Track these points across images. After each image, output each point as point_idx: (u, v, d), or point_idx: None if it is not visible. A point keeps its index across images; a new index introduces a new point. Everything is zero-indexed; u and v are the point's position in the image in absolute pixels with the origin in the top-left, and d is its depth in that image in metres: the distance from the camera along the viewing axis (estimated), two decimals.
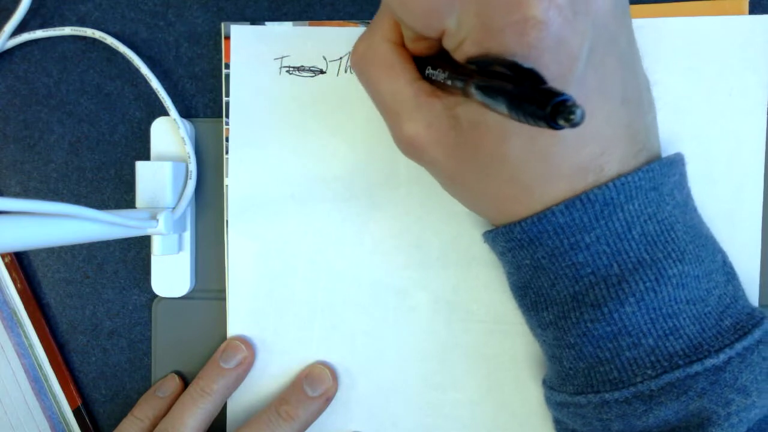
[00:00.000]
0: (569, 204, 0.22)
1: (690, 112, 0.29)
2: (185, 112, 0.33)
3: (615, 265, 0.22)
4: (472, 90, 0.19)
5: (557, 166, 0.22)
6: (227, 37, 0.31)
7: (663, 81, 0.29)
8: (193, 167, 0.31)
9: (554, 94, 0.15)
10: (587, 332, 0.23)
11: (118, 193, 0.33)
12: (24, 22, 0.32)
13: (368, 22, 0.31)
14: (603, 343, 0.23)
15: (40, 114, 0.33)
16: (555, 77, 0.20)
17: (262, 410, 0.30)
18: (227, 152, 0.31)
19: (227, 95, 0.31)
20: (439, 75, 0.22)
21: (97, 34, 0.32)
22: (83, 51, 0.33)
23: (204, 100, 0.33)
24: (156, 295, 0.33)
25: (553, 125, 0.15)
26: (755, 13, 0.28)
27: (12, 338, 0.33)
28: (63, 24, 0.33)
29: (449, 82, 0.21)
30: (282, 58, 0.31)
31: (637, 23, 0.29)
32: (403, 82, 0.23)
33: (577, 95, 0.20)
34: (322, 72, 0.31)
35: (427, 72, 0.23)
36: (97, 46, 0.33)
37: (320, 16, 0.31)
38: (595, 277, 0.23)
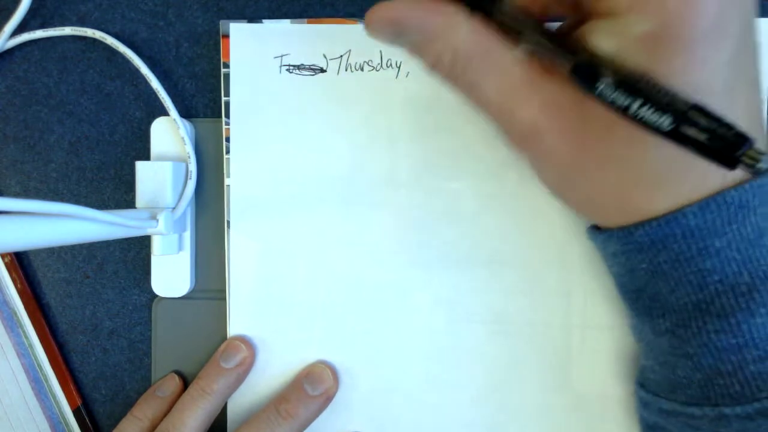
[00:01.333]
0: (703, 205, 0.20)
1: None
2: (185, 112, 0.33)
3: (745, 273, 0.21)
4: (606, 89, 0.17)
5: (690, 164, 0.20)
6: (225, 36, 0.31)
7: None
8: (193, 167, 0.31)
9: (743, 139, 0.14)
10: (709, 343, 0.21)
11: (118, 193, 0.33)
12: (24, 22, 0.32)
13: None
14: (726, 356, 0.21)
15: (40, 114, 0.33)
16: (706, 60, 0.18)
17: (262, 409, 0.30)
18: (228, 152, 0.31)
19: (227, 95, 0.31)
20: (558, 54, 0.19)
21: (97, 34, 0.32)
22: (83, 51, 0.33)
23: (204, 100, 0.33)
24: (156, 295, 0.33)
25: (731, 168, 0.14)
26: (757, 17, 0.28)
27: (12, 338, 0.33)
28: (63, 24, 0.33)
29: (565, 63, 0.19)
30: (282, 56, 0.31)
31: None
32: (506, 65, 0.20)
33: (724, 83, 0.18)
34: (322, 70, 0.31)
35: (523, 39, 0.20)
36: (97, 46, 0.33)
37: (320, 16, 0.31)
38: (722, 285, 0.21)
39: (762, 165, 0.13)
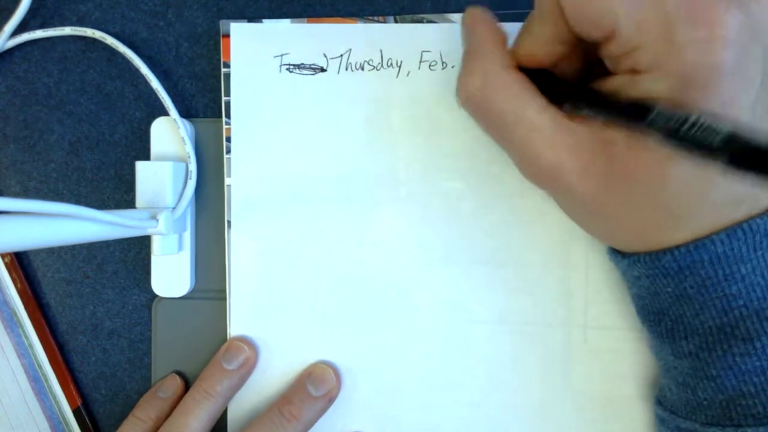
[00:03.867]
0: (730, 233, 0.21)
1: None
2: (185, 112, 0.33)
3: None
4: (658, 116, 0.18)
5: (717, 194, 0.21)
6: (225, 36, 0.31)
7: None
8: (193, 167, 0.31)
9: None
10: (734, 366, 0.22)
11: (118, 193, 0.33)
12: (24, 22, 0.32)
13: (369, 19, 0.31)
14: (749, 378, 0.22)
15: (40, 114, 0.33)
16: (728, 102, 0.19)
17: (265, 411, 0.30)
18: (228, 152, 0.31)
19: (227, 94, 0.31)
20: (581, 107, 0.21)
21: (97, 34, 0.32)
22: (83, 51, 0.33)
23: (204, 100, 0.33)
24: (156, 295, 0.33)
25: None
26: None
27: (12, 338, 0.33)
28: (63, 24, 0.33)
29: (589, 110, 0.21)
30: (282, 55, 0.31)
31: None
32: (537, 108, 0.22)
33: (748, 122, 0.19)
34: (322, 70, 0.31)
35: (557, 94, 0.22)
36: (97, 46, 0.33)
37: (320, 15, 0.31)
38: (747, 309, 0.21)
39: None
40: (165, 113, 0.32)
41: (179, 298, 0.32)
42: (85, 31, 0.32)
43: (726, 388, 0.22)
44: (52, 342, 0.34)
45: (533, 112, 0.22)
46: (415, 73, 0.30)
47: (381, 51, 0.30)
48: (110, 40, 0.31)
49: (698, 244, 0.21)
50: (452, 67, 0.30)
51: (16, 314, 0.32)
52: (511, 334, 0.30)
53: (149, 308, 0.33)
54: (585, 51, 0.23)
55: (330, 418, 0.31)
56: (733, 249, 0.21)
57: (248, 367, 0.31)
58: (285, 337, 0.32)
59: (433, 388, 0.31)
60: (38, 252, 0.34)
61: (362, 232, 0.31)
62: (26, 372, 0.33)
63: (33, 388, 0.33)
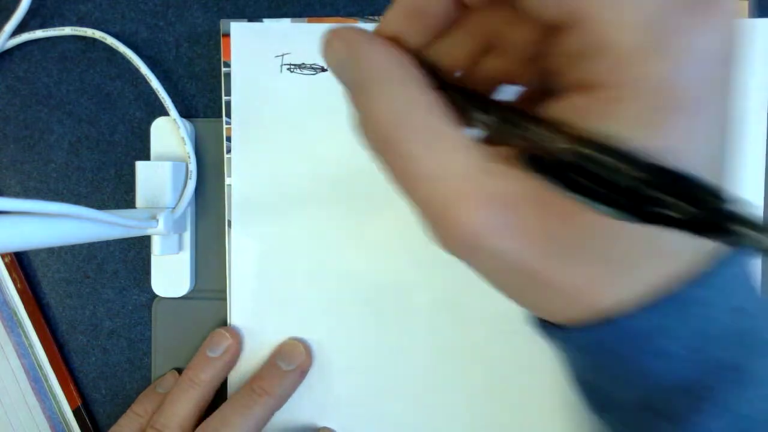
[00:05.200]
0: (655, 304, 0.17)
1: None
2: (185, 112, 0.33)
3: (700, 372, 0.18)
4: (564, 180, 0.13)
5: (660, 247, 0.17)
6: (226, 35, 0.31)
7: None
8: (193, 167, 0.31)
9: (749, 222, 0.11)
10: None
11: (118, 193, 0.33)
12: (24, 22, 0.32)
13: (370, 18, 0.31)
14: None
15: (40, 114, 0.33)
16: (692, 134, 0.14)
17: (238, 390, 0.30)
18: (228, 151, 0.31)
19: (227, 94, 0.31)
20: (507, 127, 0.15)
21: (97, 34, 0.32)
22: (83, 51, 0.33)
23: (204, 100, 0.33)
24: (156, 295, 0.33)
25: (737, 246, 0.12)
26: (755, 17, 0.28)
27: (12, 338, 0.33)
28: (63, 24, 0.33)
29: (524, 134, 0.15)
30: (282, 55, 0.31)
31: None
32: (452, 146, 0.16)
33: (710, 157, 0.15)
34: (323, 69, 0.31)
35: (474, 115, 0.16)
36: (97, 46, 0.33)
37: (320, 15, 0.31)
38: (674, 385, 0.18)
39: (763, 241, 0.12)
40: (165, 113, 0.32)
41: (179, 298, 0.32)
42: (85, 31, 0.32)
43: None
44: (52, 342, 0.33)
45: (456, 157, 0.16)
46: None
47: None
48: (110, 40, 0.31)
49: (617, 319, 0.17)
50: None
51: (16, 314, 0.32)
52: (510, 334, 0.30)
53: (149, 308, 0.33)
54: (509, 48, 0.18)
55: (329, 417, 0.31)
56: (654, 321, 0.18)
57: (231, 354, 0.31)
58: (284, 335, 0.32)
59: (432, 387, 0.31)
60: (38, 252, 0.34)
61: (362, 232, 0.31)
62: (26, 372, 0.33)
63: (33, 388, 0.33)
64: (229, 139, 0.31)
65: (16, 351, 0.33)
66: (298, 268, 0.31)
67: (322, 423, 0.32)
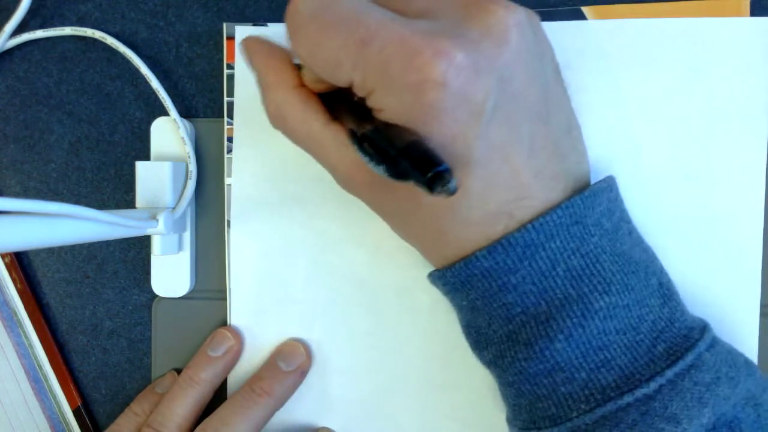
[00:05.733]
0: (491, 249, 0.22)
1: (690, 113, 0.29)
2: (185, 112, 0.33)
3: (543, 303, 0.23)
4: (354, 144, 0.20)
5: (467, 215, 0.22)
6: (230, 38, 0.31)
7: (663, 82, 0.29)
8: (193, 167, 0.31)
9: (433, 164, 0.17)
10: (522, 371, 0.23)
11: (118, 193, 0.33)
12: (24, 22, 0.32)
13: None
14: (539, 380, 0.23)
15: (40, 114, 0.33)
16: (456, 135, 0.20)
17: (238, 390, 0.30)
18: (229, 151, 0.31)
19: (230, 95, 0.31)
20: (345, 119, 0.23)
21: (97, 34, 0.32)
22: (83, 51, 0.33)
23: (204, 100, 0.33)
24: (156, 295, 0.33)
25: (432, 192, 0.17)
26: (756, 15, 0.28)
27: (12, 338, 0.33)
28: (63, 24, 0.33)
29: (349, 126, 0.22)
30: None
31: (637, 23, 0.29)
32: (319, 128, 0.24)
33: (480, 151, 0.21)
34: None
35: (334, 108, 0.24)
36: (97, 46, 0.33)
37: None
38: (525, 316, 0.23)
39: (450, 186, 0.17)
40: (165, 113, 0.32)
41: (179, 298, 0.32)
42: (85, 31, 0.32)
43: (524, 392, 0.24)
44: (52, 342, 0.34)
45: (318, 132, 0.24)
46: None
47: None
48: (110, 40, 0.31)
49: (467, 260, 0.23)
50: None
51: (16, 314, 0.32)
52: None
53: (149, 308, 0.33)
54: None
55: (329, 417, 0.31)
56: (497, 262, 0.22)
57: (232, 355, 0.31)
58: (284, 336, 0.32)
59: (432, 388, 0.31)
60: (38, 252, 0.34)
61: (362, 232, 0.31)
62: (26, 372, 0.33)
63: (33, 388, 0.33)
64: (230, 139, 0.31)
65: (16, 351, 0.33)
66: (298, 268, 0.31)
67: (321, 423, 0.32)
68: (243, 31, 0.31)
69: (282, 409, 0.31)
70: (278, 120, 0.24)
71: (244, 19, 0.32)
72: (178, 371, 0.33)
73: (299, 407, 0.32)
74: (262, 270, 0.32)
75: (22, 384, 0.33)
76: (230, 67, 0.31)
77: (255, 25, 0.31)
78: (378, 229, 0.31)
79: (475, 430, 0.31)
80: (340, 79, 0.22)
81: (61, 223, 0.22)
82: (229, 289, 0.32)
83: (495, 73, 0.20)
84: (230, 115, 0.31)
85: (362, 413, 0.31)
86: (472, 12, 0.21)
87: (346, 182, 0.25)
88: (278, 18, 0.31)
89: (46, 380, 0.33)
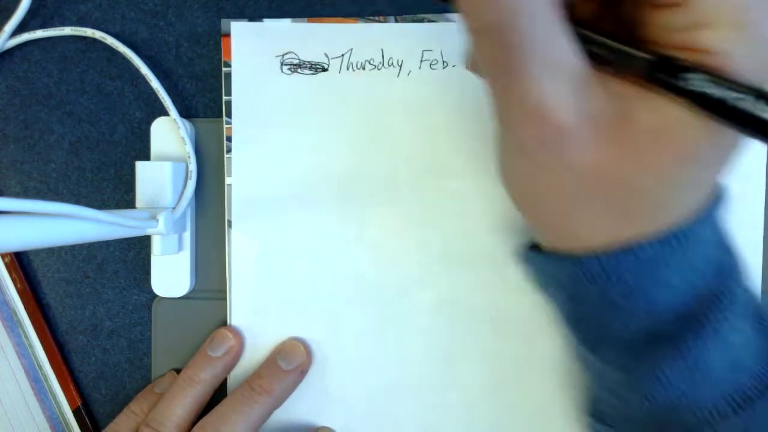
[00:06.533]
0: (663, 238, 0.20)
1: None
2: (185, 112, 0.33)
3: (694, 300, 0.21)
4: (695, 80, 0.16)
5: (691, 192, 0.20)
6: (226, 35, 0.31)
7: None
8: (193, 167, 0.31)
9: None
10: (662, 377, 0.21)
11: (118, 193, 0.33)
12: (24, 22, 0.32)
13: (370, 19, 0.31)
14: (678, 387, 0.21)
15: (40, 114, 0.33)
16: None
17: (237, 387, 0.30)
18: (229, 151, 0.31)
19: (228, 94, 0.31)
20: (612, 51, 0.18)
21: (97, 34, 0.32)
22: (83, 51, 0.33)
23: (204, 100, 0.33)
24: (156, 295, 0.33)
25: None
26: None
27: (12, 338, 0.33)
28: (63, 24, 0.33)
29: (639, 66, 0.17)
30: (283, 55, 0.31)
31: None
32: (568, 47, 0.17)
33: None
34: (323, 69, 0.31)
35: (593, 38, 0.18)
36: (97, 46, 0.33)
37: (321, 15, 0.31)
38: (674, 314, 0.21)
39: None
40: (165, 113, 0.32)
41: (179, 298, 0.32)
42: (85, 31, 0.32)
43: (657, 401, 0.21)
44: (52, 342, 0.33)
45: (563, 48, 0.17)
46: (417, 73, 0.30)
47: (382, 50, 0.30)
48: (110, 40, 0.31)
49: (627, 249, 0.20)
50: (453, 66, 0.30)
51: (16, 314, 0.32)
52: (511, 333, 0.30)
53: (149, 308, 0.33)
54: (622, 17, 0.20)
55: (328, 416, 0.31)
56: (663, 254, 0.20)
57: (232, 355, 0.31)
58: (285, 336, 0.32)
59: (433, 388, 0.31)
60: (38, 252, 0.34)
61: (362, 232, 0.31)
62: (26, 372, 0.33)
63: (33, 388, 0.33)
64: (229, 139, 0.31)
65: (16, 351, 0.33)
66: (298, 268, 0.31)
67: (321, 422, 0.32)
68: (239, 28, 0.31)
69: (281, 408, 0.31)
70: (516, 10, 0.16)
71: (245, 19, 0.32)
72: (178, 371, 0.33)
73: (299, 406, 0.32)
74: (262, 270, 0.32)
75: (22, 384, 0.33)
76: (227, 65, 0.31)
77: (251, 20, 0.31)
78: (378, 228, 0.31)
79: (475, 430, 0.31)
80: None
81: (61, 223, 0.22)
82: (229, 289, 0.32)
83: None
84: (229, 114, 0.31)
85: (362, 413, 0.31)
86: None
87: (545, 110, 0.18)
88: (278, 17, 0.31)
89: (46, 380, 0.33)
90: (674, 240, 0.20)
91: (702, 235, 0.20)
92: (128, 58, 0.31)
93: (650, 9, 0.18)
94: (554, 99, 0.17)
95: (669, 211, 0.20)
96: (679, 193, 0.19)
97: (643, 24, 0.18)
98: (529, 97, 0.18)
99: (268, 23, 0.31)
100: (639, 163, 0.18)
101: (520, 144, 0.20)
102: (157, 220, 0.28)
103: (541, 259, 0.24)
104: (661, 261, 0.20)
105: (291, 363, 0.30)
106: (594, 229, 0.20)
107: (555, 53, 0.17)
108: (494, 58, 0.18)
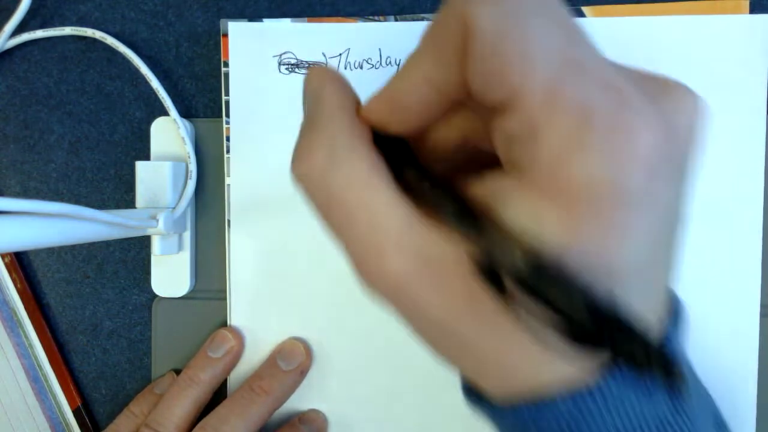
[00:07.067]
0: (584, 392, 0.17)
1: None
2: (185, 112, 0.33)
3: None
4: (485, 278, 0.14)
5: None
6: (225, 35, 0.31)
7: None
8: (192, 167, 0.31)
9: (669, 361, 0.12)
10: None
11: (118, 193, 0.33)
12: (24, 22, 0.32)
13: (370, 18, 0.31)
14: None
15: (40, 114, 0.33)
16: (616, 246, 0.14)
17: (237, 389, 0.30)
18: (228, 151, 0.31)
19: (227, 94, 0.31)
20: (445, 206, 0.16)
21: (97, 34, 0.32)
22: (83, 51, 0.33)
23: (204, 100, 0.33)
24: (156, 295, 0.33)
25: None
26: (755, 13, 0.28)
27: (12, 338, 0.33)
28: (63, 24, 0.33)
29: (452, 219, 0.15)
30: (281, 55, 0.31)
31: (637, 21, 0.29)
32: (386, 201, 0.16)
33: (644, 259, 0.15)
34: None
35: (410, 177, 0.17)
36: (97, 46, 0.33)
37: (319, 15, 0.31)
38: None
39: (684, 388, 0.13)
40: (165, 113, 0.32)
41: (179, 298, 0.32)
42: (85, 31, 0.32)
43: None
44: (52, 342, 0.34)
45: (383, 206, 0.16)
46: None
47: (380, 50, 0.30)
48: (110, 40, 0.31)
49: (542, 403, 0.17)
50: None
51: (16, 314, 0.32)
52: None
53: (149, 308, 0.33)
54: (464, 122, 0.18)
55: (329, 416, 0.31)
56: (586, 410, 0.17)
57: (233, 356, 0.31)
58: (284, 335, 0.32)
59: (432, 387, 0.31)
60: (38, 252, 0.34)
61: None
62: (26, 372, 0.33)
63: (33, 388, 0.33)
64: (229, 138, 0.31)
65: (16, 351, 0.33)
66: (298, 268, 0.31)
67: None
68: (237, 28, 0.31)
69: (281, 409, 0.31)
70: (318, 176, 0.17)
71: (244, 19, 0.32)
72: (178, 372, 0.33)
73: (298, 406, 0.32)
74: (262, 270, 0.32)
75: (22, 384, 0.33)
76: (227, 65, 0.31)
77: (250, 20, 0.31)
78: None
79: (475, 430, 0.31)
80: (510, 81, 0.13)
81: (61, 223, 0.22)
82: (229, 289, 0.32)
83: (684, 173, 0.15)
84: (228, 115, 0.31)
85: (362, 413, 0.31)
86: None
87: (396, 282, 0.16)
88: (277, 17, 0.31)
89: (46, 380, 0.33)
90: (588, 395, 0.16)
91: (617, 395, 0.17)
92: (128, 58, 0.31)
93: (492, 120, 0.15)
94: (385, 262, 0.16)
95: (564, 364, 0.16)
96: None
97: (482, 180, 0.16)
98: (354, 259, 0.17)
99: (267, 23, 0.31)
100: (481, 304, 0.16)
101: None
102: (157, 220, 0.28)
103: (480, 406, 0.21)
104: (578, 415, 0.17)
105: (291, 363, 0.30)
106: (495, 373, 0.18)
107: (380, 219, 0.16)
108: (325, 227, 0.18)
